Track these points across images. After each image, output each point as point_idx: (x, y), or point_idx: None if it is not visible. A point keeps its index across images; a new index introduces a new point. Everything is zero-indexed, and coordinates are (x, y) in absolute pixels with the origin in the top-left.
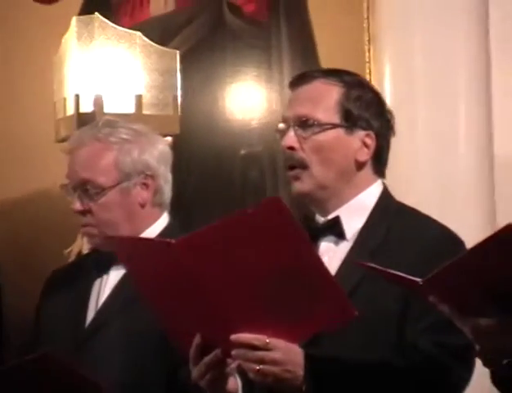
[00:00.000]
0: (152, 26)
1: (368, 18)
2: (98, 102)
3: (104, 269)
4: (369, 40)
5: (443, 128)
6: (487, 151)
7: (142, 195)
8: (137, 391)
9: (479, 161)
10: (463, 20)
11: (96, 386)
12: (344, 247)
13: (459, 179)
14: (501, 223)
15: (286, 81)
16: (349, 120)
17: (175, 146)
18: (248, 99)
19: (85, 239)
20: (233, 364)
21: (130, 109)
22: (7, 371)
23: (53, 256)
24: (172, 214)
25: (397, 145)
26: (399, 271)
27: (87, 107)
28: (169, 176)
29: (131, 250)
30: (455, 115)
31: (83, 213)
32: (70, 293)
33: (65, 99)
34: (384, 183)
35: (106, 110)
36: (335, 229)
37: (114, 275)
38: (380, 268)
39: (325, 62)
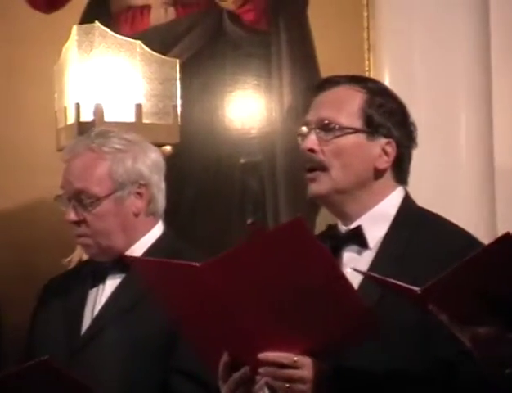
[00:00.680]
0: (152, 35)
1: (368, 27)
2: (98, 111)
3: (100, 279)
4: (368, 49)
5: (443, 137)
6: (487, 158)
7: (136, 204)
8: None
9: (480, 168)
10: (463, 29)
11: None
12: (367, 256)
13: (459, 187)
14: (502, 230)
15: (286, 90)
16: (371, 126)
17: (175, 155)
18: (247, 108)
19: None
20: (261, 381)
21: (130, 118)
22: (7, 377)
23: (53, 265)
24: (171, 223)
25: None
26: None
27: (87, 116)
28: (163, 185)
29: (156, 273)
30: (456, 123)
31: (78, 223)
32: (66, 301)
33: (65, 108)
34: (405, 190)
35: (107, 118)
36: (358, 239)
37: (110, 284)
38: (379, 276)
39: (325, 71)
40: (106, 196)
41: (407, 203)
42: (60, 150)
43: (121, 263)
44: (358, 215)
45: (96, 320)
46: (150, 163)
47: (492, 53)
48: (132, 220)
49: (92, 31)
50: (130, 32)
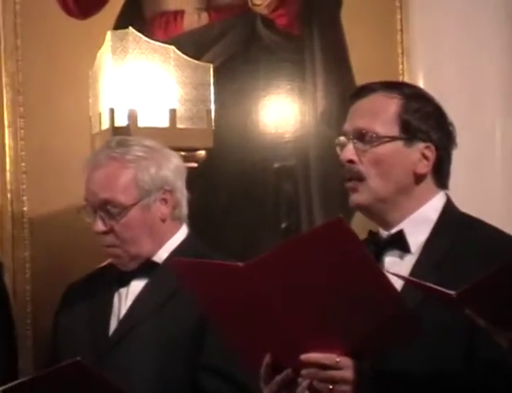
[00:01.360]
0: (186, 40)
1: (401, 31)
2: (133, 116)
3: (124, 282)
4: (402, 53)
5: (476, 140)
6: None
7: (162, 210)
8: None
9: None
10: (495, 32)
11: None
12: (409, 261)
13: (495, 192)
14: None
15: (319, 94)
16: (408, 132)
17: (209, 160)
18: (281, 112)
19: None
20: (304, 383)
21: (164, 123)
22: (39, 379)
23: (87, 271)
24: (204, 227)
25: None
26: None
27: (122, 121)
28: (185, 189)
29: (197, 274)
30: (489, 126)
31: (106, 233)
32: (89, 305)
33: (100, 113)
34: (447, 195)
35: (141, 124)
36: (399, 243)
37: (135, 286)
38: (415, 280)
39: (359, 75)
40: (133, 205)
41: (449, 208)
42: None
43: (146, 266)
44: (400, 221)
45: (124, 322)
46: (174, 168)
47: None
48: (159, 226)
49: (126, 37)
50: (164, 37)
